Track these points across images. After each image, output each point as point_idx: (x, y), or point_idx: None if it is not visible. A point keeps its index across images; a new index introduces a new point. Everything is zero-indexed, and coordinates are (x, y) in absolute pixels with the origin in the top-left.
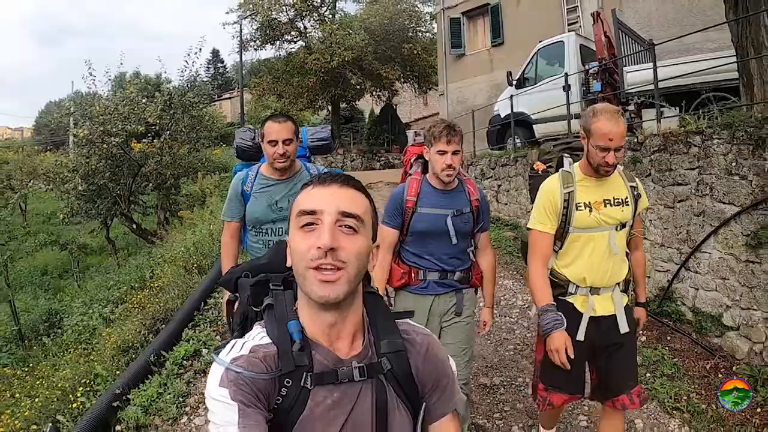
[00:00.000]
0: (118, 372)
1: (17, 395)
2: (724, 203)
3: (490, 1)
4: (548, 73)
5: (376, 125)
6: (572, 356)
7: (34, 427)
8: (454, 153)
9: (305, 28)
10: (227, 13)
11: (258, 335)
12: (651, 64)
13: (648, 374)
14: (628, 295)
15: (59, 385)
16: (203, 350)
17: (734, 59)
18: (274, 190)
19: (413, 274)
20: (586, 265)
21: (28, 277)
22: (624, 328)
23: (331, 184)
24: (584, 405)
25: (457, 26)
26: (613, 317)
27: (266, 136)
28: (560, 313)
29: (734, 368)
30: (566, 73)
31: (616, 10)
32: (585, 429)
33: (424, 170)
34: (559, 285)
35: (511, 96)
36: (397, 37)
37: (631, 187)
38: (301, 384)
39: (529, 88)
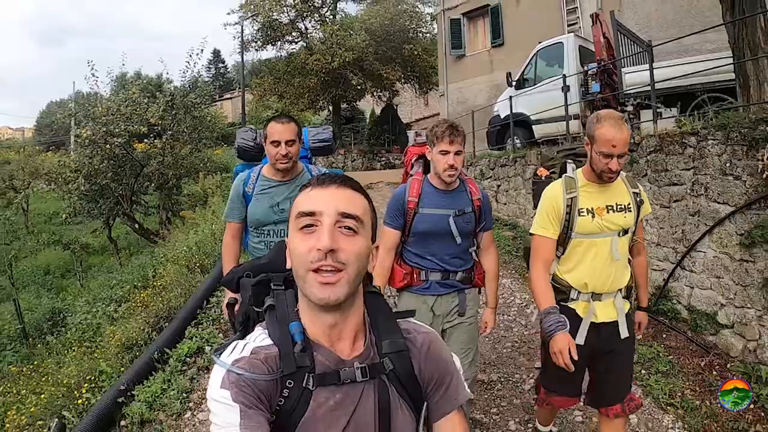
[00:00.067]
0: (122, 369)
1: (23, 392)
2: (718, 203)
3: (490, 2)
4: (547, 74)
5: (376, 125)
6: (576, 358)
7: (40, 422)
8: (457, 153)
9: (306, 28)
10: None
11: (259, 336)
12: (648, 66)
13: (643, 371)
14: (630, 302)
15: (64, 382)
16: (206, 347)
17: (731, 60)
18: (276, 191)
19: (415, 275)
20: (588, 271)
21: (31, 277)
22: (624, 333)
23: (330, 185)
24: (579, 401)
25: (457, 27)
26: (614, 324)
27: (269, 136)
28: (563, 316)
29: (728, 365)
30: (564, 75)
31: (615, 11)
32: (580, 424)
33: (425, 170)
34: (561, 291)
35: (511, 97)
36: (398, 38)
37: (633, 193)
38: (303, 385)
39: (529, 89)
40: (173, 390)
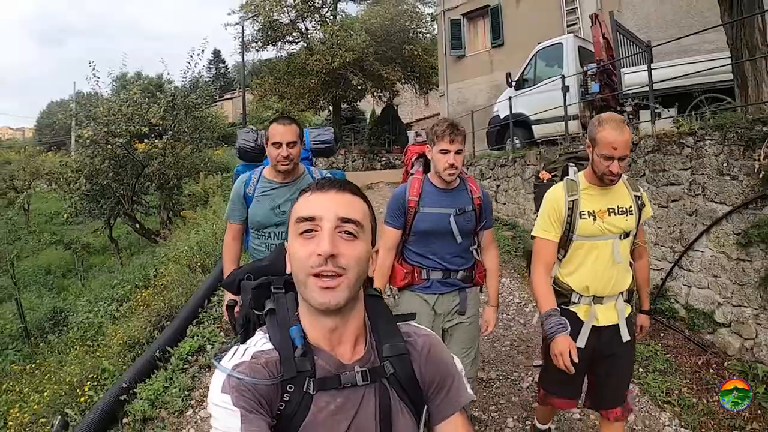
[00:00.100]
0: (124, 367)
1: (26, 390)
2: (715, 203)
3: (490, 2)
4: (547, 74)
5: (377, 126)
6: (576, 360)
7: (43, 420)
8: (457, 152)
9: (306, 29)
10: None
11: (260, 341)
12: (647, 66)
13: (641, 369)
14: (631, 306)
15: (67, 380)
16: (207, 346)
17: (729, 61)
18: (277, 193)
19: (416, 274)
20: (589, 273)
21: (32, 276)
22: (626, 336)
23: (329, 189)
24: (579, 402)
25: (457, 27)
26: (615, 327)
27: (270, 138)
28: (564, 318)
29: (725, 364)
30: (563, 75)
31: (614, 11)
32: (578, 422)
33: (426, 169)
34: (563, 294)
35: (510, 97)
36: (398, 38)
37: (635, 196)
38: (304, 389)
39: (528, 89)
40: (175, 388)
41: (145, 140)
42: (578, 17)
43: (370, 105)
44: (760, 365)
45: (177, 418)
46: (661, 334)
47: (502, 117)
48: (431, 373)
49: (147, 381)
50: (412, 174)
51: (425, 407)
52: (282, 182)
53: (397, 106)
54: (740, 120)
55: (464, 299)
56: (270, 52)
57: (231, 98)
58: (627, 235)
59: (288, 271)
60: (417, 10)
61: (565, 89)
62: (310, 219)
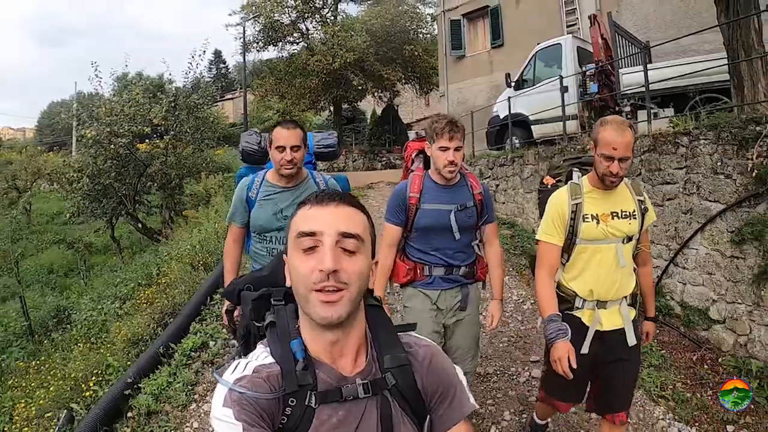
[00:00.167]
0: (129, 363)
1: (32, 385)
2: (710, 201)
3: (489, 3)
4: (546, 74)
5: (377, 126)
6: (575, 366)
7: (49, 414)
8: (457, 149)
9: (307, 29)
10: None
11: (261, 355)
12: (643, 66)
13: None
14: (635, 309)
15: (72, 376)
16: (210, 342)
17: (726, 61)
18: (280, 197)
19: (419, 270)
20: (593, 277)
21: (35, 275)
22: (632, 340)
23: (329, 203)
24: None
25: (457, 28)
26: (620, 331)
27: (274, 141)
28: (564, 323)
29: (720, 360)
30: (561, 76)
31: (613, 12)
32: (573, 415)
33: (426, 166)
34: (566, 300)
35: (510, 97)
36: (399, 39)
37: (638, 200)
38: (306, 403)
39: (528, 89)
40: (179, 383)
41: (147, 140)
42: (577, 18)
43: (370, 105)
44: (754, 361)
45: (181, 412)
46: (657, 331)
47: (501, 117)
48: (433, 384)
49: (151, 376)
50: (412, 171)
51: (427, 418)
52: (285, 186)
53: (397, 106)
54: (734, 120)
55: (466, 295)
56: (271, 53)
57: (232, 98)
58: (630, 239)
59: (288, 284)
60: (417, 10)
61: (564, 89)
62: (311, 234)
